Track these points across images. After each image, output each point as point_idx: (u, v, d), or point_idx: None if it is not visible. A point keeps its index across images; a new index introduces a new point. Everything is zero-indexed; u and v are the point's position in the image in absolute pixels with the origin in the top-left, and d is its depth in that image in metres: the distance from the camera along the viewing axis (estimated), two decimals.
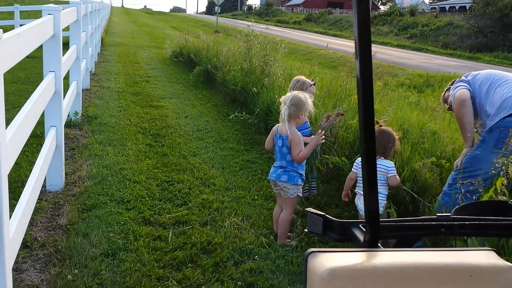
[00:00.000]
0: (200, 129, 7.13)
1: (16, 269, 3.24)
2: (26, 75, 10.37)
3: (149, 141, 6.37)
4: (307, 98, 3.80)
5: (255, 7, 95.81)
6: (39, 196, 3.79)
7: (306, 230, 1.28)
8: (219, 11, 35.53)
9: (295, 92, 3.83)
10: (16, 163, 3.51)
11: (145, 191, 4.72)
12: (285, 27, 49.39)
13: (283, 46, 8.90)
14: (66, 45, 5.74)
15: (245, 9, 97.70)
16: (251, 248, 3.75)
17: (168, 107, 8.37)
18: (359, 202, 3.86)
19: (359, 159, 3.89)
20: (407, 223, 0.98)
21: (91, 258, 3.45)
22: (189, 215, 4.26)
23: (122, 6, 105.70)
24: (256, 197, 4.75)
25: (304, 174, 3.92)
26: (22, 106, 3.17)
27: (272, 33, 13.12)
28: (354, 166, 3.98)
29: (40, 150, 4.01)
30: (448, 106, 4.20)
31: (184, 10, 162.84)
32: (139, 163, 5.48)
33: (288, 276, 3.42)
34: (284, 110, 3.74)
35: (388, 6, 79.96)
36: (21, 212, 2.75)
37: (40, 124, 4.32)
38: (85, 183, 4.81)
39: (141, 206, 4.38)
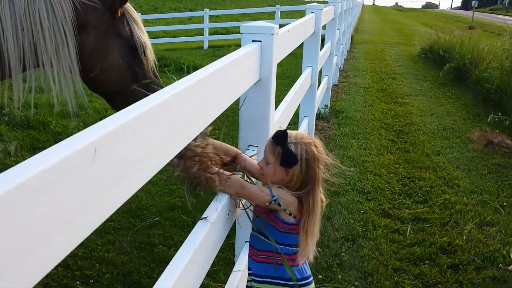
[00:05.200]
0: (446, 128, 6.87)
1: None
2: (282, 70, 11.37)
3: (391, 136, 6.42)
4: None
5: None
6: None
7: None
8: (476, 5, 33.03)
9: None
10: None
11: (385, 185, 4.81)
12: None
13: None
14: (321, 42, 6.15)
15: (506, 2, 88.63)
16: (495, 255, 3.53)
17: (413, 104, 8.25)
18: None
19: None
20: None
21: (332, 240, 3.71)
22: (429, 213, 4.21)
23: (373, 4, 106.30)
24: (505, 203, 4.41)
25: None
26: (281, 97, 3.57)
27: None
28: None
29: None
30: None
31: (436, 6, 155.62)
32: (380, 157, 5.59)
33: None
34: None
35: None
36: None
37: (295, 115, 4.76)
38: (330, 171, 5.12)
39: (381, 198, 4.49)
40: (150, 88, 2.56)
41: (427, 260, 3.51)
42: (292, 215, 1.92)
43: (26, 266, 0.76)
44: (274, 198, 1.87)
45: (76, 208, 0.88)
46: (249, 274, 2.06)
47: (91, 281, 3.24)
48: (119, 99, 2.56)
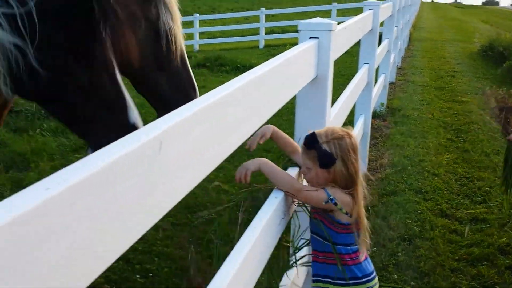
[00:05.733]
0: None
1: None
2: (338, 68, 11.25)
3: (450, 135, 6.25)
4: None
5: None
6: None
7: None
8: None
9: None
10: None
11: (443, 184, 4.70)
12: None
13: None
14: (379, 39, 6.07)
15: None
16: None
17: (473, 103, 7.97)
18: None
19: None
20: None
21: (388, 239, 3.66)
22: (488, 213, 4.09)
23: (432, 1, 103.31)
24: None
25: None
26: (337, 96, 3.55)
27: None
28: None
29: None
30: None
31: (497, 3, 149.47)
32: (438, 156, 5.45)
33: None
34: None
35: None
36: None
37: (351, 113, 4.73)
38: (386, 170, 5.06)
39: (438, 198, 4.39)
40: (177, 79, 2.53)
41: (485, 261, 3.41)
42: (349, 214, 1.90)
43: (107, 239, 0.82)
44: (330, 197, 1.85)
45: (142, 196, 0.93)
46: (313, 275, 2.05)
47: (150, 274, 3.35)
48: (140, 84, 2.50)
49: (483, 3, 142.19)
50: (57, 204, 0.69)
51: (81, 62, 1.87)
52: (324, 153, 1.85)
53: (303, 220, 2.08)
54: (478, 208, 4.20)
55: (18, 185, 4.58)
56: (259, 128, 1.87)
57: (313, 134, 1.90)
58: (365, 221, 1.97)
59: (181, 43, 2.57)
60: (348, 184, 1.90)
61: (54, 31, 1.81)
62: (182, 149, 1.07)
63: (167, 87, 2.55)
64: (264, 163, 1.94)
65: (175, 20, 2.50)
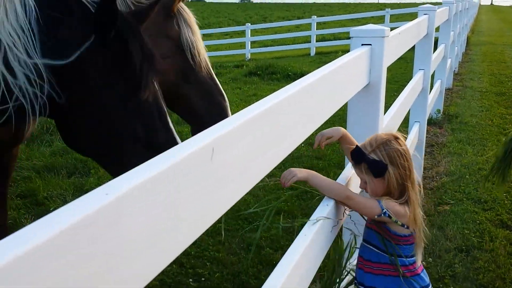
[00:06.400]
0: None
1: None
2: (391, 75, 11.07)
3: None
4: None
5: None
6: None
7: None
8: None
9: None
10: None
11: (504, 194, 4.50)
12: None
13: None
14: (434, 44, 5.92)
15: None
16: None
17: None
18: None
19: None
20: None
21: (445, 250, 3.55)
22: None
23: (491, 4, 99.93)
24: None
25: None
26: (391, 103, 3.49)
27: None
28: None
29: None
30: None
31: None
32: None
33: None
34: None
35: None
36: None
37: (405, 120, 4.63)
38: (442, 178, 4.91)
39: (499, 208, 4.21)
40: (205, 89, 2.58)
41: None
42: (405, 226, 1.84)
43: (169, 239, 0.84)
44: (384, 211, 1.80)
45: (195, 203, 0.95)
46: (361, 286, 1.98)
47: (203, 279, 3.40)
48: (171, 100, 2.53)
49: None
50: (120, 204, 0.73)
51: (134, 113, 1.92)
52: (373, 162, 1.81)
53: (356, 230, 2.05)
54: None
55: (80, 190, 4.77)
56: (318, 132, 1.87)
57: (357, 147, 1.86)
58: (421, 231, 1.90)
59: (204, 54, 2.64)
60: (403, 190, 1.84)
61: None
62: (234, 156, 1.08)
63: (197, 99, 2.64)
64: (313, 175, 1.89)
65: (196, 34, 2.59)
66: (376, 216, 1.82)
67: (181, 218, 0.90)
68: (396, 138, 1.86)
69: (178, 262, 3.53)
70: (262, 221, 1.87)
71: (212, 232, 3.93)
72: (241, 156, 1.12)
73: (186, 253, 3.59)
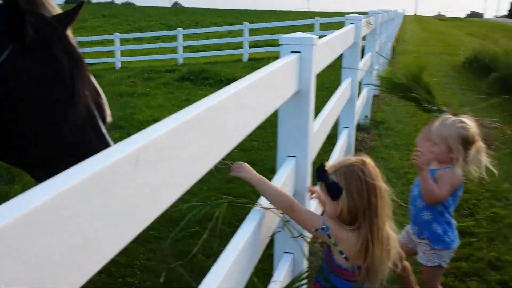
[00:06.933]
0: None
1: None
2: (321, 81, 11.32)
3: None
4: None
5: None
6: None
7: None
8: None
9: None
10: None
11: None
12: None
13: None
14: (361, 52, 6.11)
15: None
16: None
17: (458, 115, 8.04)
18: None
19: None
20: None
21: None
22: (476, 227, 4.08)
23: (415, 14, 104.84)
24: None
25: None
26: (321, 109, 3.55)
27: None
28: None
29: (332, 149, 4.41)
30: None
31: (481, 15, 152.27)
32: None
33: None
34: None
35: None
36: None
37: (334, 126, 4.74)
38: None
39: None
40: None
41: (474, 275, 3.39)
42: (344, 255, 1.75)
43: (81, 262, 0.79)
44: (323, 227, 1.73)
45: (119, 213, 0.90)
46: None
47: None
48: None
49: (467, 15, 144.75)
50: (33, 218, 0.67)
51: None
52: (329, 184, 1.74)
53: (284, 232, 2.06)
54: (465, 221, 4.20)
55: (5, 197, 4.53)
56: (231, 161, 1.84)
57: (321, 166, 1.81)
58: (383, 274, 1.74)
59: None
60: (354, 218, 1.74)
61: None
62: (161, 164, 1.05)
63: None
64: (261, 182, 1.82)
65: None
66: (313, 230, 1.76)
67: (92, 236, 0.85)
68: (363, 164, 1.78)
69: (107, 271, 3.41)
70: (202, 206, 1.82)
71: (143, 240, 3.83)
72: (169, 164, 1.08)
73: (115, 262, 3.47)
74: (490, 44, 13.23)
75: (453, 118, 2.66)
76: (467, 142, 2.57)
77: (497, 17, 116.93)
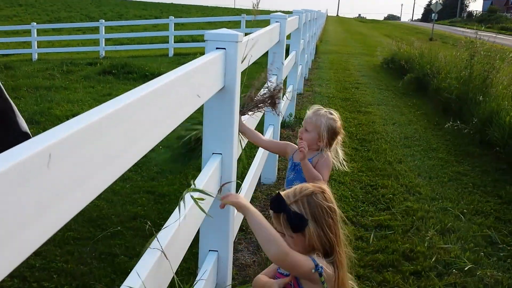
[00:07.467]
0: (408, 136, 7.01)
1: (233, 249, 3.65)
2: (247, 79, 11.37)
3: (355, 145, 6.50)
4: None
5: (476, 14, 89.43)
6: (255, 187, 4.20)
7: None
8: (436, 18, 34.06)
9: None
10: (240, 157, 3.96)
11: (349, 192, 4.86)
12: (510, 34, 44.91)
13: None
14: (286, 51, 6.19)
15: (465, 16, 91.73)
16: (457, 262, 3.60)
17: (376, 113, 8.38)
18: None
19: None
20: None
21: None
22: (392, 220, 4.26)
23: (337, 15, 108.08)
24: (465, 210, 4.52)
25: None
26: None
27: (499, 42, 12.22)
28: None
29: (256, 146, 4.42)
30: None
31: (398, 18, 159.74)
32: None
33: None
34: None
35: None
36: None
37: (260, 123, 4.77)
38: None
39: (345, 206, 4.52)
40: None
41: (390, 267, 3.54)
42: None
43: None
44: (317, 266, 1.60)
45: (30, 215, 0.84)
46: None
47: None
48: None
49: (385, 18, 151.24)
50: None
51: None
52: (293, 215, 1.62)
53: (210, 229, 2.03)
54: (382, 215, 4.37)
55: None
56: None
57: (278, 195, 1.68)
58: None
59: None
60: (328, 250, 1.66)
61: None
62: (76, 161, 0.99)
63: None
64: (253, 213, 1.66)
65: None
66: (313, 271, 1.61)
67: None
68: (323, 192, 1.70)
69: (20, 276, 3.21)
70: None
71: (60, 242, 3.66)
72: (85, 162, 1.02)
73: (29, 266, 3.28)
74: (406, 46, 13.87)
75: (325, 109, 2.89)
76: (334, 133, 2.82)
77: (412, 20, 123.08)
